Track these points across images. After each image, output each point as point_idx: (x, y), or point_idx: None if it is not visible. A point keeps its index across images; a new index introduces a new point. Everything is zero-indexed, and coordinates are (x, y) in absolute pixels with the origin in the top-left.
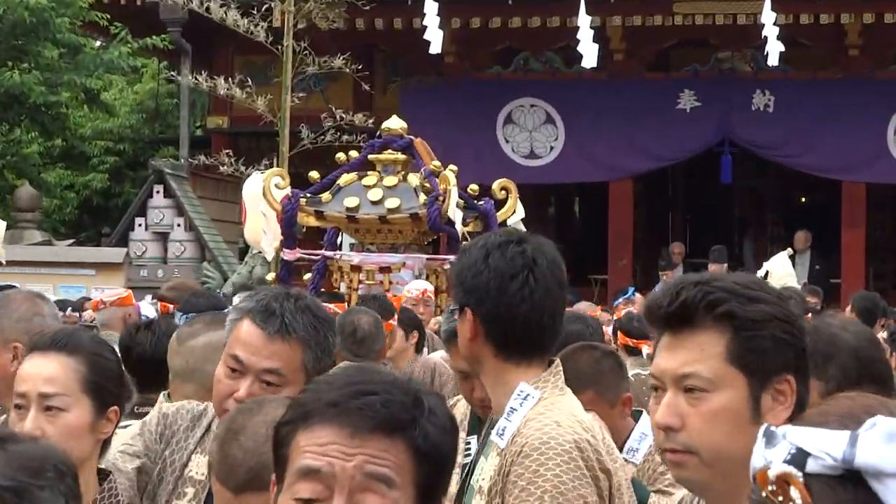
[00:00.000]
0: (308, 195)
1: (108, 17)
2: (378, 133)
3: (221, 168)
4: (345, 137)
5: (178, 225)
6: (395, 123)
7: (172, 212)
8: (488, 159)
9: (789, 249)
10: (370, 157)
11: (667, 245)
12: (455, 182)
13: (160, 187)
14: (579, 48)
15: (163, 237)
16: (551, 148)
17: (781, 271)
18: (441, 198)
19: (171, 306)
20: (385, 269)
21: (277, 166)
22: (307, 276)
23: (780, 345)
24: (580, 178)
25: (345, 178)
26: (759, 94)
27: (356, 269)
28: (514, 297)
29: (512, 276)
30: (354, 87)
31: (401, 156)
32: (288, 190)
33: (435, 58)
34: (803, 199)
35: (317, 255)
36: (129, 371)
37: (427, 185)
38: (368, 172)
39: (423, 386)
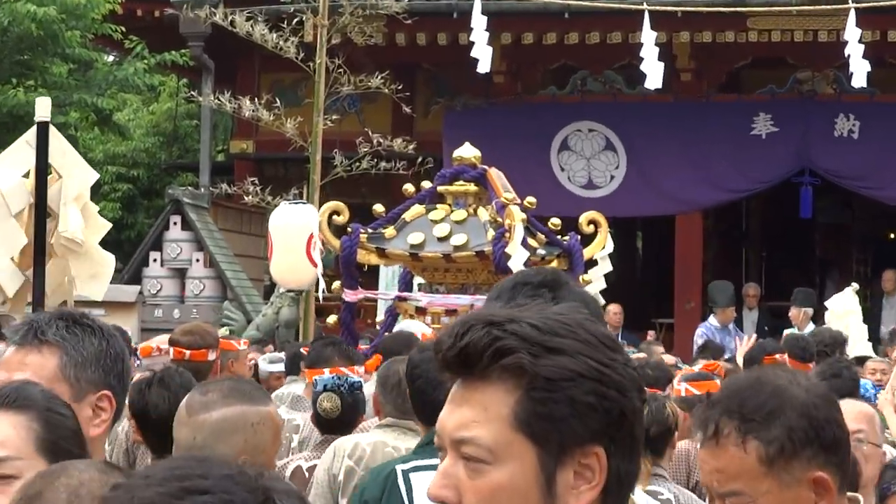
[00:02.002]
0: (370, 231)
1: (123, 30)
2: (441, 159)
3: (246, 198)
4: (382, 164)
5: (197, 260)
6: (467, 152)
7: (191, 246)
8: (542, 189)
9: (854, 285)
10: (440, 189)
11: (740, 286)
12: (522, 217)
13: (177, 218)
14: (643, 67)
15: (180, 274)
16: (611, 177)
17: (840, 309)
18: (507, 234)
19: (186, 352)
20: (452, 313)
21: (307, 195)
22: (331, 318)
23: (583, 410)
24: (643, 211)
25: (411, 212)
26: (843, 119)
27: (421, 311)
28: None
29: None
30: (393, 109)
31: (472, 187)
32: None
33: (483, 77)
34: (892, 236)
35: (383, 296)
36: (147, 435)
37: (498, 219)
38: (437, 206)
39: (277, 482)
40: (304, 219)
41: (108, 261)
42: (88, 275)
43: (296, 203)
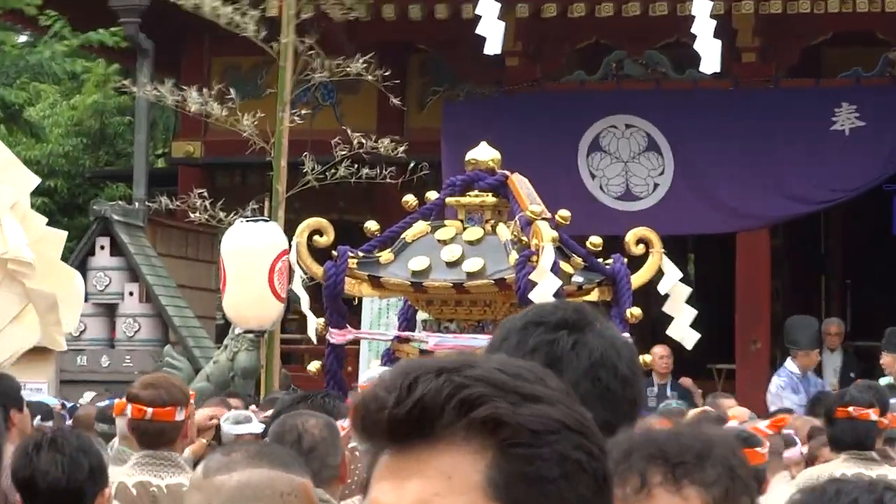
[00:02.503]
0: (361, 254)
1: (39, 2)
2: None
3: (192, 214)
4: (365, 171)
5: (131, 293)
6: (483, 153)
7: (122, 275)
8: (567, 201)
9: None
10: (448, 200)
11: (819, 321)
12: (552, 236)
13: (105, 241)
14: (695, 46)
15: (109, 310)
16: (655, 185)
17: None
18: (534, 257)
19: (147, 409)
20: None
21: (270, 211)
22: (314, 365)
23: (573, 470)
24: (695, 228)
25: (413, 231)
26: None
27: (426, 356)
28: None
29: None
30: (379, 102)
31: (490, 198)
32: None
33: (493, 60)
34: None
35: (379, 336)
36: None
37: (523, 238)
38: (446, 222)
39: None
40: (265, 240)
41: (71, 282)
42: (46, 306)
43: (255, 221)
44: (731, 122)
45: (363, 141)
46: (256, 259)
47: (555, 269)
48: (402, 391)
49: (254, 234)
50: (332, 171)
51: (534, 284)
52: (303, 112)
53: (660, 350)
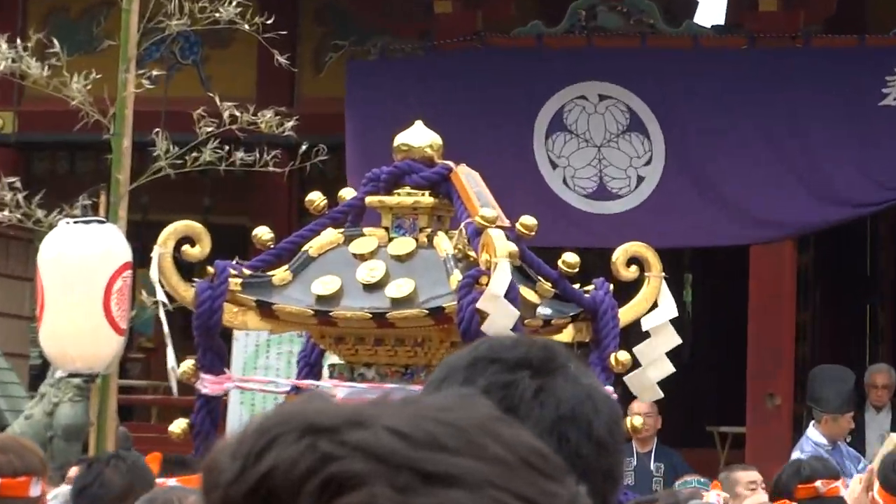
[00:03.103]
0: (247, 272)
1: None
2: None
3: None
4: (240, 155)
5: None
6: (419, 136)
7: None
8: (518, 200)
9: None
10: (369, 200)
11: (861, 370)
12: (510, 250)
13: None
14: None
15: None
16: (639, 180)
17: None
18: (484, 279)
19: None
20: None
21: (107, 208)
22: (178, 424)
23: None
24: (694, 239)
25: (320, 242)
26: None
27: None
28: None
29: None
30: (260, 61)
31: (426, 198)
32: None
33: (416, 4)
34: None
35: (270, 385)
36: None
37: (470, 253)
38: (365, 231)
39: None
40: (100, 249)
41: None
42: None
43: (87, 222)
44: (745, 94)
45: (237, 113)
46: (87, 275)
47: (513, 296)
48: (249, 459)
49: (84, 241)
50: (195, 154)
51: (483, 316)
52: (154, 73)
53: (639, 406)
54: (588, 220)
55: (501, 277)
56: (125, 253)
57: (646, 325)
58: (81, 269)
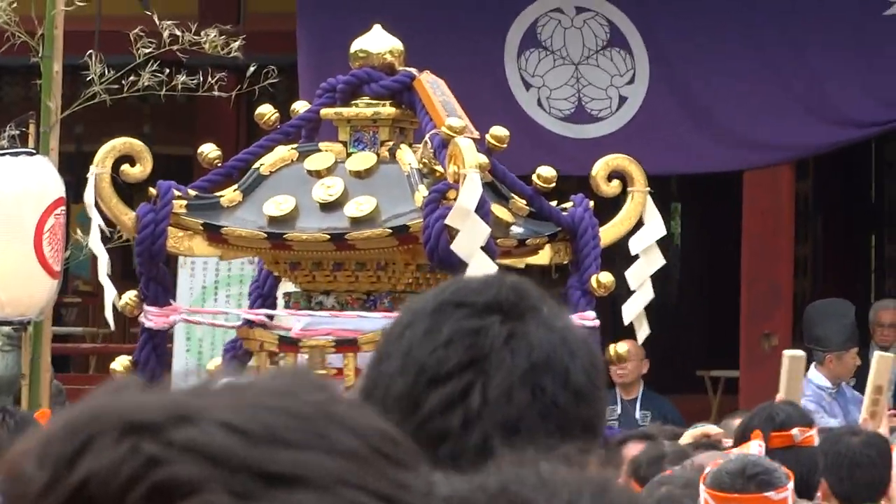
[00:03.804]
0: (193, 193)
1: None
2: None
3: None
4: (181, 79)
5: None
6: (378, 41)
7: None
8: (489, 122)
9: None
10: (325, 112)
11: (865, 306)
12: (479, 161)
13: None
14: None
15: None
16: (621, 100)
17: None
18: (452, 193)
19: None
20: (346, 347)
21: (37, 138)
22: (120, 362)
23: None
24: (683, 164)
25: (272, 159)
26: None
27: (290, 346)
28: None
29: (434, 380)
30: None
31: (388, 108)
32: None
33: None
34: None
35: (216, 320)
36: None
37: (436, 167)
38: (321, 146)
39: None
40: (29, 184)
41: None
42: None
43: (15, 154)
44: (736, 5)
45: (178, 33)
46: (16, 212)
47: (484, 211)
48: (60, 466)
49: (12, 175)
50: (132, 78)
51: (452, 234)
52: None
53: (626, 346)
54: (565, 145)
55: (471, 190)
56: (57, 188)
57: (633, 245)
58: (9, 206)
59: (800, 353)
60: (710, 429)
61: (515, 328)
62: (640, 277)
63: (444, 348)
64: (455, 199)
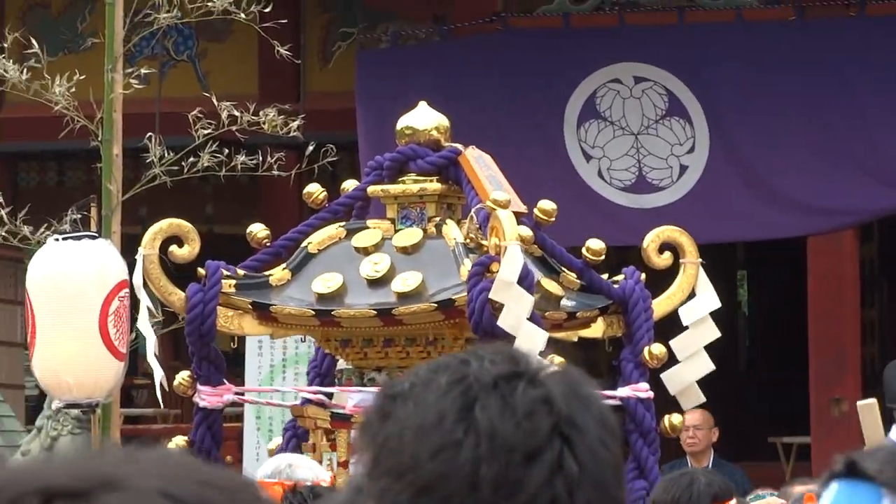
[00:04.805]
0: (242, 273)
1: None
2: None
3: None
4: (241, 159)
5: None
6: (424, 119)
7: None
8: (550, 194)
9: None
10: (372, 190)
11: None
12: (524, 234)
13: None
14: None
15: None
16: (682, 169)
17: None
18: (494, 266)
19: None
20: None
21: (99, 222)
22: (178, 441)
23: None
24: (747, 232)
25: (320, 237)
26: None
27: (343, 423)
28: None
29: (530, 456)
30: (261, 54)
31: (434, 184)
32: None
33: None
34: None
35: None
36: None
37: (482, 241)
38: (369, 223)
39: None
40: (93, 267)
41: None
42: None
43: (77, 238)
44: (794, 71)
45: (237, 113)
46: (80, 296)
47: (527, 283)
48: None
49: (75, 259)
50: (192, 159)
51: (497, 307)
52: (144, 72)
53: (693, 417)
54: (626, 215)
55: (512, 262)
56: (121, 270)
57: (685, 317)
58: (73, 290)
59: (871, 400)
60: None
61: (571, 391)
62: (689, 349)
63: (527, 420)
64: (501, 272)
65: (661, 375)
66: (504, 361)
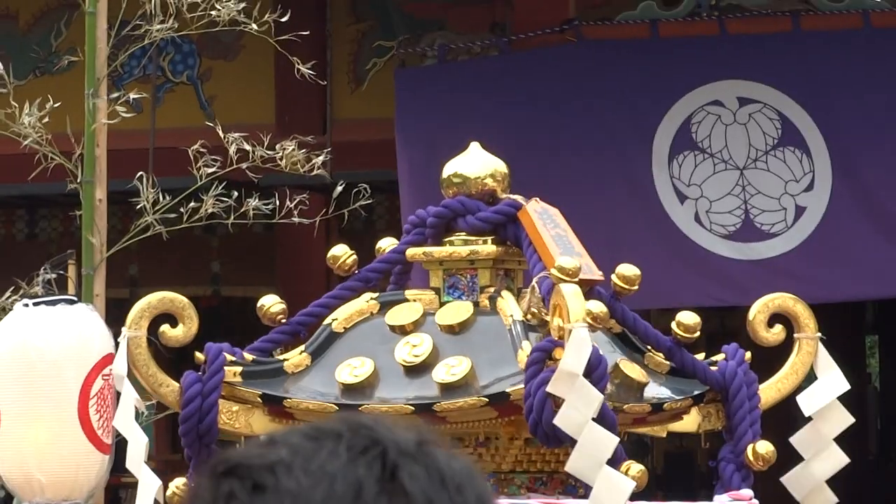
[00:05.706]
0: (250, 357)
1: None
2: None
3: None
4: (253, 203)
5: None
6: (476, 163)
7: None
8: (634, 247)
9: None
10: (412, 253)
11: None
12: (597, 311)
13: None
14: None
15: None
16: (798, 211)
17: None
18: (557, 352)
19: None
20: None
21: (79, 283)
22: None
23: None
24: (879, 289)
25: (347, 312)
26: None
27: None
28: None
29: None
30: (278, 74)
31: (488, 246)
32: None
33: None
34: None
35: None
36: None
37: (545, 316)
38: (408, 294)
39: None
40: (72, 338)
41: None
42: None
43: (53, 303)
44: None
45: (249, 147)
46: (54, 374)
47: (598, 374)
48: None
49: (49, 329)
50: (194, 204)
51: (559, 402)
52: (135, 97)
53: None
54: (729, 269)
55: (577, 349)
56: (105, 343)
57: (806, 406)
58: (47, 368)
59: None
60: None
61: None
62: (815, 444)
63: (458, 494)
64: (565, 359)
65: (783, 479)
66: (397, 427)
